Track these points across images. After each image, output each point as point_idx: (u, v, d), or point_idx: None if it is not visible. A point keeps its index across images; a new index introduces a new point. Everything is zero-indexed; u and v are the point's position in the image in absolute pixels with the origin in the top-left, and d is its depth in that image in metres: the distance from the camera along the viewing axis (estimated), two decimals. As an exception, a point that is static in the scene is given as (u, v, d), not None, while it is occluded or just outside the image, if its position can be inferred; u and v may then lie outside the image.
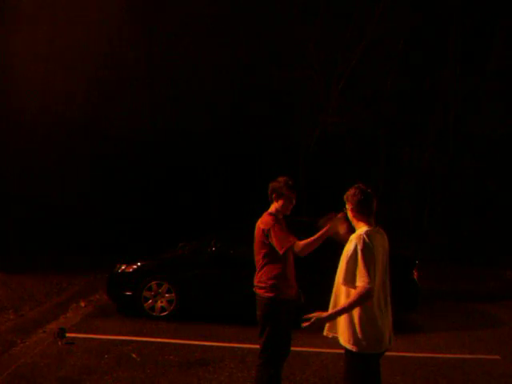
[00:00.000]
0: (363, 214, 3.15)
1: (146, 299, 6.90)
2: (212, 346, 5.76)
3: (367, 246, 2.97)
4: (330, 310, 3.11)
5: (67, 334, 5.74)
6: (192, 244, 7.61)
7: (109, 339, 5.83)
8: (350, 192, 3.20)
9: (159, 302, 6.89)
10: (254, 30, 13.02)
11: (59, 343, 5.54)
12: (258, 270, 3.88)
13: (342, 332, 3.12)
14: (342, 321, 3.10)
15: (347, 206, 3.24)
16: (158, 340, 5.85)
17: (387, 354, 5.91)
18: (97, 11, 11.91)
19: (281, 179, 3.89)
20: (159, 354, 5.38)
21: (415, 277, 6.98)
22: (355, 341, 3.03)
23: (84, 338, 5.80)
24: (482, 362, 5.65)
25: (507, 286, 10.58)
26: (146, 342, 5.81)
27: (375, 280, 2.97)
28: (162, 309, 6.89)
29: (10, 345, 5.42)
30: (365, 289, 2.92)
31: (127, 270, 7.07)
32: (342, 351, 5.87)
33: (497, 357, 5.86)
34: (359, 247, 2.97)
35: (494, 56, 13.51)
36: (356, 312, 3.01)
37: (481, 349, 6.19)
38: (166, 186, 13.52)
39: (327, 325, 3.21)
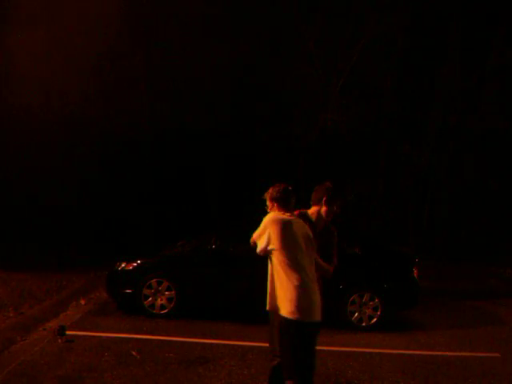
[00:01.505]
0: (282, 209, 3.57)
1: (146, 297, 6.89)
2: (212, 343, 5.76)
3: (275, 222, 3.42)
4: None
5: (67, 332, 5.73)
6: (192, 242, 7.61)
7: (109, 337, 5.83)
8: (271, 190, 3.65)
9: (159, 299, 6.89)
10: (254, 27, 13.00)
11: (59, 341, 5.53)
12: None
13: (279, 303, 3.39)
14: (279, 293, 3.40)
15: (268, 204, 3.66)
16: (158, 338, 5.84)
17: (387, 351, 5.95)
18: (96, 10, 11.88)
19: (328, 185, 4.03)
20: (159, 351, 5.37)
21: (415, 275, 6.99)
22: (289, 309, 3.30)
23: (84, 336, 5.80)
24: (481, 359, 5.66)
25: (507, 285, 10.59)
26: (146, 339, 5.81)
27: (290, 253, 3.36)
28: (162, 306, 6.88)
29: (10, 342, 5.41)
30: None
31: (127, 268, 7.07)
32: (341, 349, 5.90)
33: (496, 355, 5.87)
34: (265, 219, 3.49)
35: (494, 53, 13.48)
36: (290, 283, 3.33)
37: (480, 347, 6.19)
38: (165, 185, 13.51)
39: (268, 301, 3.53)
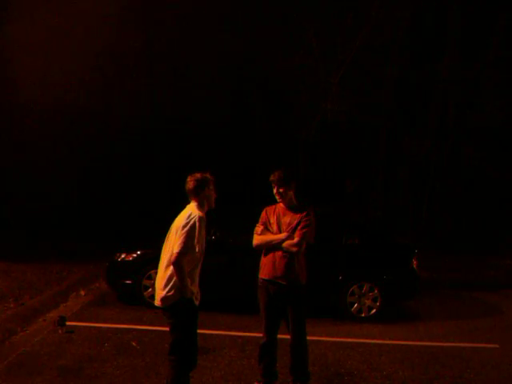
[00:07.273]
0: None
1: (146, 288, 6.89)
2: (212, 334, 5.77)
3: None
4: None
5: (67, 323, 5.74)
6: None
7: (109, 327, 5.84)
8: None
9: (159, 290, 6.89)
10: (254, 17, 12.91)
11: (59, 331, 5.55)
12: None
13: None
14: None
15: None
16: (158, 328, 5.83)
17: (387, 342, 5.97)
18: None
19: None
20: (159, 342, 5.38)
21: (415, 265, 6.99)
22: None
23: (84, 327, 5.82)
24: (480, 350, 5.68)
25: (506, 275, 10.60)
26: (146, 330, 5.82)
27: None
28: (162, 297, 6.88)
29: (11, 333, 5.42)
30: None
31: (127, 259, 7.06)
32: (341, 339, 5.91)
33: (495, 345, 5.90)
34: None
35: (494, 44, 13.39)
36: None
37: (479, 338, 6.22)
38: (165, 175, 13.48)
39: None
